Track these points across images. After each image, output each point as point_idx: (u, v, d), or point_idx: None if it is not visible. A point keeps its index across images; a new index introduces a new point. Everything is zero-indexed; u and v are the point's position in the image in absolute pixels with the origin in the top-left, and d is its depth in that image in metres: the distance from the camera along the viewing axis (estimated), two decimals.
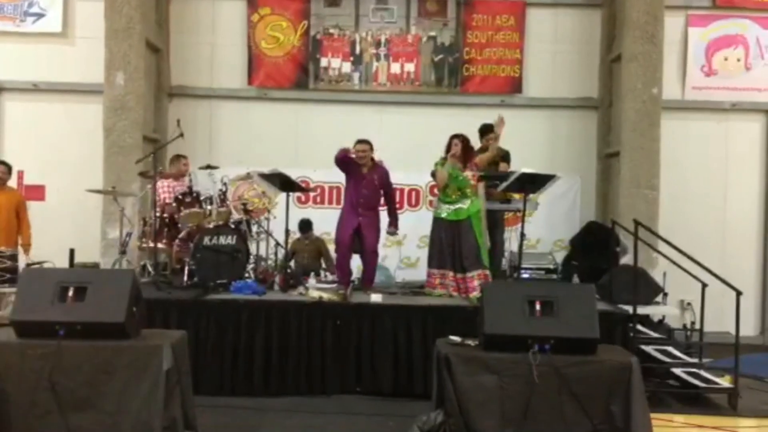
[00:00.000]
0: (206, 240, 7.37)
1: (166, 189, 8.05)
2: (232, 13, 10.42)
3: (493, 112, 9.57)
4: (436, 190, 8.68)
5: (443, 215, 7.37)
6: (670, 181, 9.47)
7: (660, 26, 9.23)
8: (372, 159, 7.53)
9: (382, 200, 7.70)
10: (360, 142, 7.51)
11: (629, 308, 6.82)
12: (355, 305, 6.85)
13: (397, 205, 8.13)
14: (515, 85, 10.35)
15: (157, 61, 10.16)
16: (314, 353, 6.63)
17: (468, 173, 7.35)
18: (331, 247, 9.01)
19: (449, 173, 7.29)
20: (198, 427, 5.18)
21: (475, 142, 7.86)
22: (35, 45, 10.16)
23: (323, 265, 8.92)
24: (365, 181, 7.47)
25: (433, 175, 7.67)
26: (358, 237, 7.46)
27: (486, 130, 7.99)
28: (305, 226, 8.97)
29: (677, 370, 6.99)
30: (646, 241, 7.57)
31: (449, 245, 7.29)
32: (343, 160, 7.41)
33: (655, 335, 7.26)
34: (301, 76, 10.38)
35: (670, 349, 7.18)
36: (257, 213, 8.97)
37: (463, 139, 7.42)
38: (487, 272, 7.27)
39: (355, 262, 7.78)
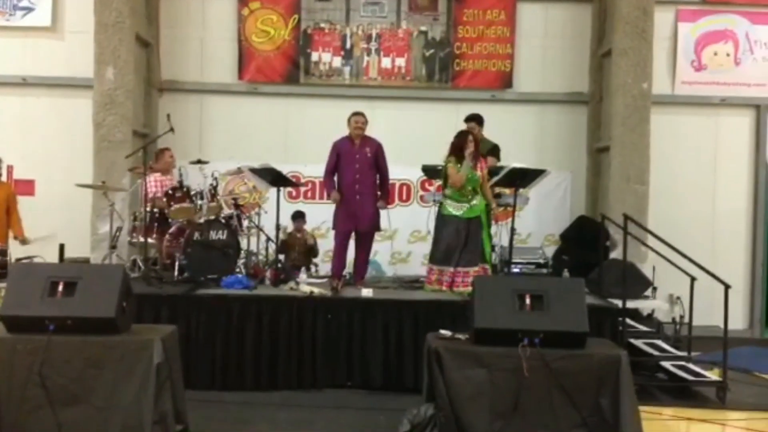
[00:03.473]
0: (197, 235, 7.37)
1: (154, 183, 8.03)
2: (222, 7, 10.38)
3: (484, 107, 9.68)
4: (431, 186, 8.67)
5: (459, 213, 7.20)
6: (660, 175, 9.50)
7: (650, 21, 9.25)
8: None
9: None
10: (356, 113, 7.65)
11: (619, 302, 6.86)
12: (346, 300, 6.86)
13: (389, 200, 8.12)
14: (506, 80, 10.35)
15: (147, 56, 10.12)
16: (305, 348, 6.64)
17: (478, 173, 7.28)
18: (322, 242, 9.05)
19: (467, 175, 7.22)
20: (189, 422, 5.19)
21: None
22: (24, 39, 10.11)
23: (314, 260, 8.92)
24: (358, 156, 7.52)
25: (426, 170, 7.65)
26: (356, 221, 7.50)
27: (469, 119, 8.10)
28: (298, 215, 8.93)
29: (666, 364, 7.04)
30: (635, 235, 7.60)
31: (461, 242, 7.14)
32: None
33: (644, 329, 7.31)
34: (291, 71, 10.36)
35: (659, 342, 7.23)
36: (248, 208, 8.97)
37: (474, 136, 7.37)
38: (487, 266, 7.27)
39: (348, 259, 7.80)
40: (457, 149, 7.21)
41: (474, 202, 7.24)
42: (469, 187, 7.22)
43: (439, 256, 7.26)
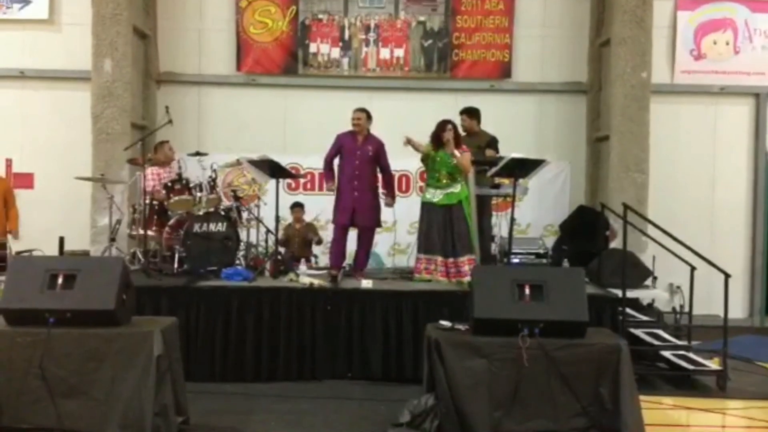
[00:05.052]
0: (196, 227, 7.36)
1: (154, 176, 8.02)
2: None
3: (482, 97, 9.70)
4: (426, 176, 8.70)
5: (435, 200, 7.33)
6: (660, 165, 9.50)
7: (649, 10, 9.23)
8: (367, 130, 7.59)
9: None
10: (356, 110, 7.59)
11: (618, 292, 6.86)
12: (345, 291, 6.86)
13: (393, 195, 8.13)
14: (504, 70, 10.33)
15: (145, 48, 10.09)
16: (305, 339, 6.65)
17: (454, 160, 7.30)
18: (322, 234, 9.06)
19: (435, 156, 7.28)
20: (189, 413, 5.20)
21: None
22: (22, 32, 10.08)
23: (314, 252, 8.94)
24: (359, 152, 7.49)
25: (423, 160, 7.65)
26: (354, 215, 7.48)
27: (461, 112, 8.23)
28: (296, 204, 8.96)
29: (666, 353, 7.04)
30: (635, 224, 7.60)
31: (440, 230, 7.24)
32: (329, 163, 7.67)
33: (644, 318, 7.31)
34: (290, 62, 10.34)
35: (659, 332, 7.23)
36: (247, 200, 8.96)
37: (454, 125, 7.43)
38: (474, 257, 7.29)
39: (348, 251, 7.79)
40: (435, 137, 7.33)
41: (451, 189, 7.29)
42: (444, 171, 7.28)
43: (422, 244, 7.37)
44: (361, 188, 7.47)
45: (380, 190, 7.78)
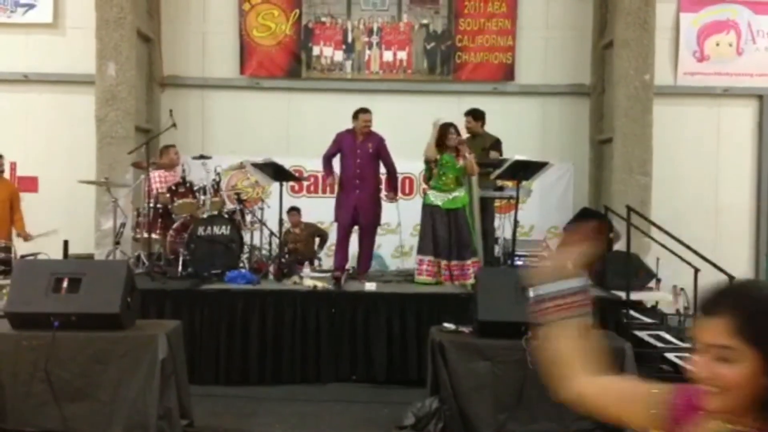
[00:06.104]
0: (200, 230, 7.36)
1: (158, 180, 8.04)
2: (223, 1, 10.36)
3: (486, 100, 9.69)
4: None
5: (440, 203, 7.31)
6: (663, 166, 9.48)
7: (652, 12, 9.22)
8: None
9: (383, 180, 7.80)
10: (365, 111, 7.62)
11: (622, 294, 6.85)
12: (349, 293, 6.87)
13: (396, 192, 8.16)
14: (508, 72, 10.33)
15: (149, 51, 10.11)
16: (309, 342, 6.66)
17: (460, 162, 7.32)
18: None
19: (441, 160, 7.28)
20: (194, 417, 5.21)
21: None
22: (26, 36, 10.10)
23: (318, 254, 8.95)
24: (359, 151, 7.53)
25: (426, 162, 7.67)
26: (357, 213, 7.51)
27: (465, 114, 8.25)
28: (291, 210, 9.01)
29: (670, 355, 7.02)
30: (638, 226, 7.59)
31: (445, 233, 7.21)
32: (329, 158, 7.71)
33: (648, 320, 7.30)
34: (293, 65, 10.35)
35: (663, 334, 7.22)
36: (251, 203, 8.97)
37: (456, 128, 7.44)
38: (479, 261, 7.30)
39: (351, 252, 7.80)
40: (438, 141, 7.31)
41: (457, 193, 7.28)
42: (451, 175, 7.26)
43: (426, 246, 7.30)
44: (363, 186, 7.51)
45: (382, 186, 7.82)
